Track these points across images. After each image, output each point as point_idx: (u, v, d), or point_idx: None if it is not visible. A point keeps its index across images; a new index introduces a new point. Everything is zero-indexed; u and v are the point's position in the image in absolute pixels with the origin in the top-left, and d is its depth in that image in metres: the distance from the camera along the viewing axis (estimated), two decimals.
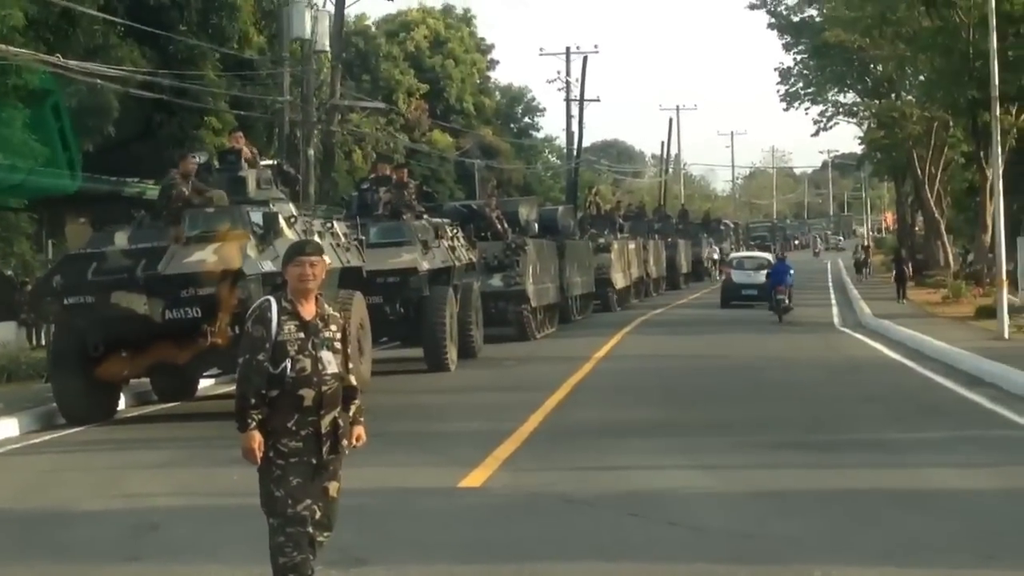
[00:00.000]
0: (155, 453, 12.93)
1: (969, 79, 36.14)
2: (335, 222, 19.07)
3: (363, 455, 12.79)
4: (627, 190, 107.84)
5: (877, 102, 57.89)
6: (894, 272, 42.48)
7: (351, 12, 67.46)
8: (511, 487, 10.51)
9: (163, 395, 18.12)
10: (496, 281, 27.84)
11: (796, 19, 61.91)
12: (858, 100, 61.94)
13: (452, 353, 21.62)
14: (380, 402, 17.33)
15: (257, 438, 6.60)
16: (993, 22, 25.04)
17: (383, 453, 12.57)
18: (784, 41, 63.31)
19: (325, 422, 6.73)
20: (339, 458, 6.83)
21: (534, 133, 77.48)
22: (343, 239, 18.82)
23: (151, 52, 35.79)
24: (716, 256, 61.55)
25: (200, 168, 17.28)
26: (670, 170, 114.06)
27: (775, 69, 63.97)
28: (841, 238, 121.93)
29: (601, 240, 40.97)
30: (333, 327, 6.90)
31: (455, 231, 24.12)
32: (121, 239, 15.73)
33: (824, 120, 63.31)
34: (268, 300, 6.87)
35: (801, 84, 63.52)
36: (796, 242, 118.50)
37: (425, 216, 23.15)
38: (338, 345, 6.89)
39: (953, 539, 8.40)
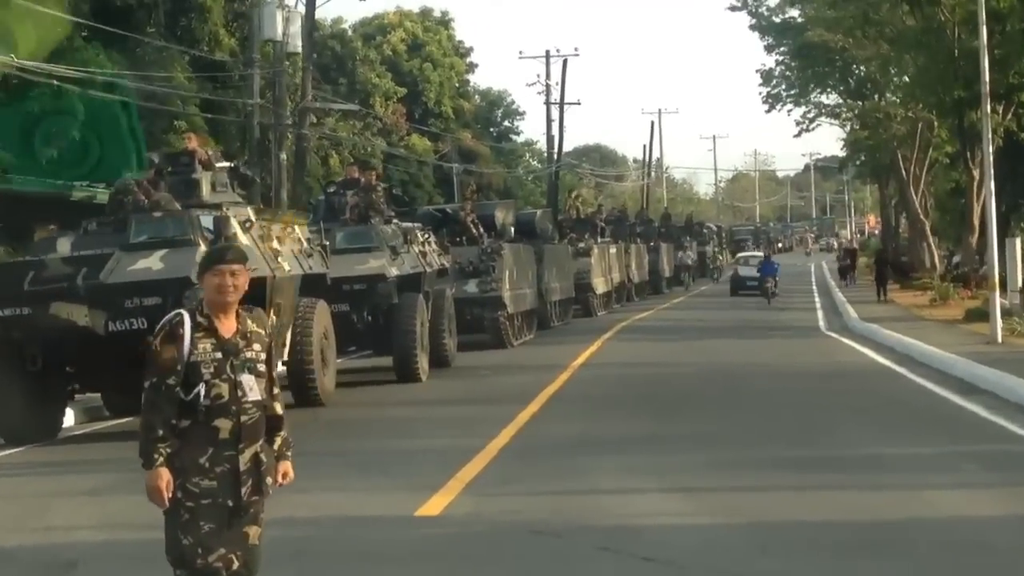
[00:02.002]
0: (91, 477, 11.98)
1: (955, 78, 35.41)
2: (297, 227, 18.13)
3: (314, 478, 11.96)
4: (609, 194, 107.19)
5: (860, 103, 57.23)
6: (875, 272, 44.45)
7: (327, 15, 66.63)
8: (472, 515, 9.60)
9: (115, 410, 17.16)
10: (471, 287, 26.95)
11: (778, 20, 61.11)
12: (841, 101, 61.22)
13: (423, 363, 20.70)
14: (343, 416, 16.46)
15: (165, 476, 5.68)
16: (983, 16, 24.22)
17: (337, 476, 11.71)
18: (766, 43, 62.59)
19: (245, 457, 5.81)
20: (261, 500, 5.91)
21: (514, 137, 76.65)
22: (305, 244, 17.90)
23: (118, 55, 34.83)
24: (690, 262, 60.31)
25: (152, 171, 16.37)
26: (652, 174, 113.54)
27: (757, 71, 63.25)
28: (834, 238, 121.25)
29: (581, 244, 40.07)
30: (256, 346, 5.96)
31: (426, 236, 23.21)
32: (64, 246, 14.81)
33: (807, 122, 62.54)
34: (180, 314, 5.93)
35: (783, 86, 62.76)
36: (779, 244, 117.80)
37: (395, 220, 22.23)
38: (262, 367, 5.95)
39: None
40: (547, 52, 66.13)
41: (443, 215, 28.87)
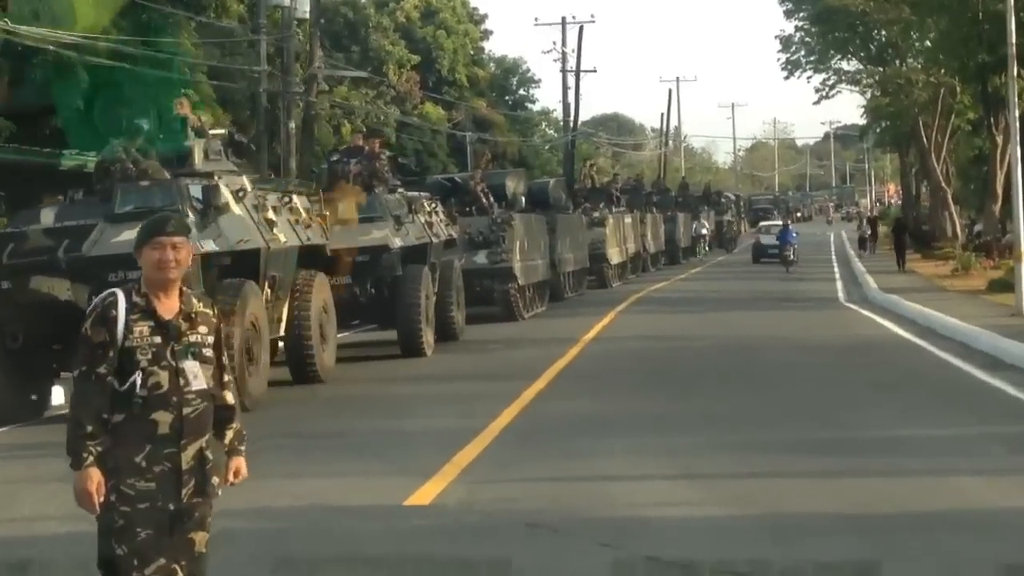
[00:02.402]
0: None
1: (979, 42, 34.54)
2: (296, 197, 17.44)
3: (305, 462, 11.34)
4: (627, 163, 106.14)
5: (881, 69, 56.22)
6: (893, 241, 44.03)
7: None
8: (464, 505, 8.93)
9: None
10: (481, 258, 26.25)
11: None
12: (861, 68, 60.16)
13: (428, 337, 20.04)
14: (342, 393, 15.82)
15: (96, 477, 5.02)
16: None
17: (329, 459, 11.07)
18: (785, 8, 61.62)
19: (187, 455, 5.14)
20: (207, 502, 5.24)
21: (529, 105, 75.63)
22: (304, 215, 17.21)
23: (123, 21, 34.13)
24: (704, 232, 59.03)
25: (142, 138, 15.69)
26: (671, 143, 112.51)
27: (776, 37, 62.28)
28: (854, 207, 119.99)
29: (596, 214, 39.31)
30: (202, 329, 5.27)
31: (433, 205, 22.49)
32: (47, 217, 14.15)
33: (826, 89, 61.47)
34: (113, 294, 5.23)
35: (803, 52, 61.77)
36: (799, 214, 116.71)
37: (400, 190, 21.52)
38: (208, 352, 5.26)
39: None
40: (563, 19, 65.31)
41: (452, 184, 28.16)
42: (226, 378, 5.38)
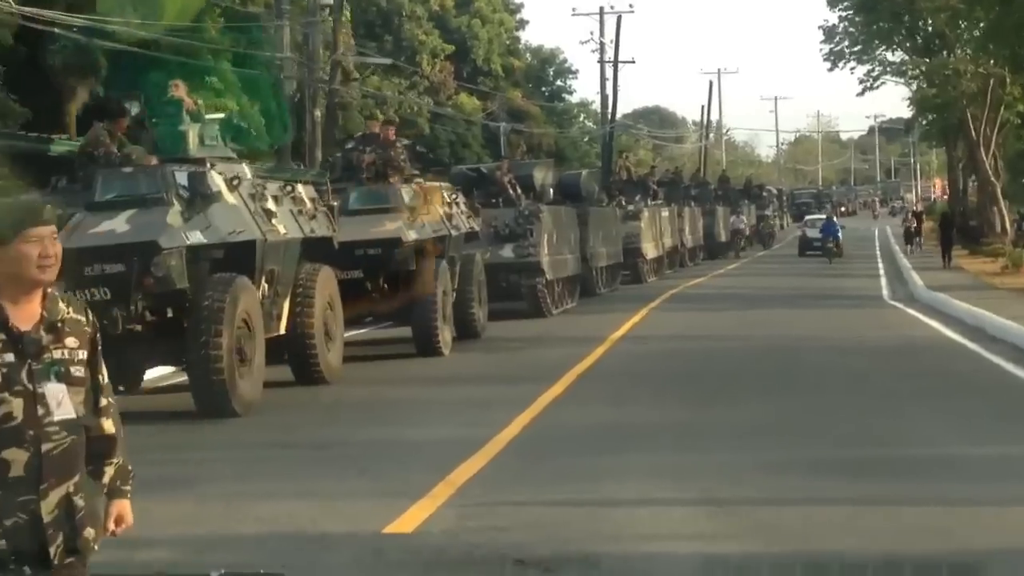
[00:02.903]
0: None
1: None
2: (302, 186, 16.34)
3: (288, 478, 10.19)
4: (669, 157, 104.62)
5: (927, 60, 54.68)
6: (940, 236, 42.82)
7: None
8: (450, 534, 7.79)
9: None
10: (507, 252, 25.11)
11: None
12: (907, 58, 58.58)
13: (445, 335, 18.90)
14: (345, 397, 14.73)
15: None
16: None
17: (311, 476, 9.97)
18: None
19: (49, 503, 3.99)
20: (82, 558, 4.11)
21: (567, 97, 74.44)
22: (309, 205, 16.10)
23: (141, 5, 33.18)
24: (742, 226, 56.94)
25: (131, 121, 14.60)
26: (712, 136, 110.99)
27: (819, 28, 60.72)
28: (902, 200, 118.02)
29: (630, 207, 38.10)
30: (71, 341, 4.12)
31: (454, 196, 21.33)
32: None
33: (871, 80, 59.98)
34: None
35: (847, 43, 60.23)
36: (843, 208, 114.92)
37: (417, 179, 20.37)
38: (78, 371, 4.11)
39: None
40: (601, 9, 64.13)
41: (478, 175, 27.01)
42: (103, 402, 4.24)
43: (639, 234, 37.14)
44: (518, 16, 66.85)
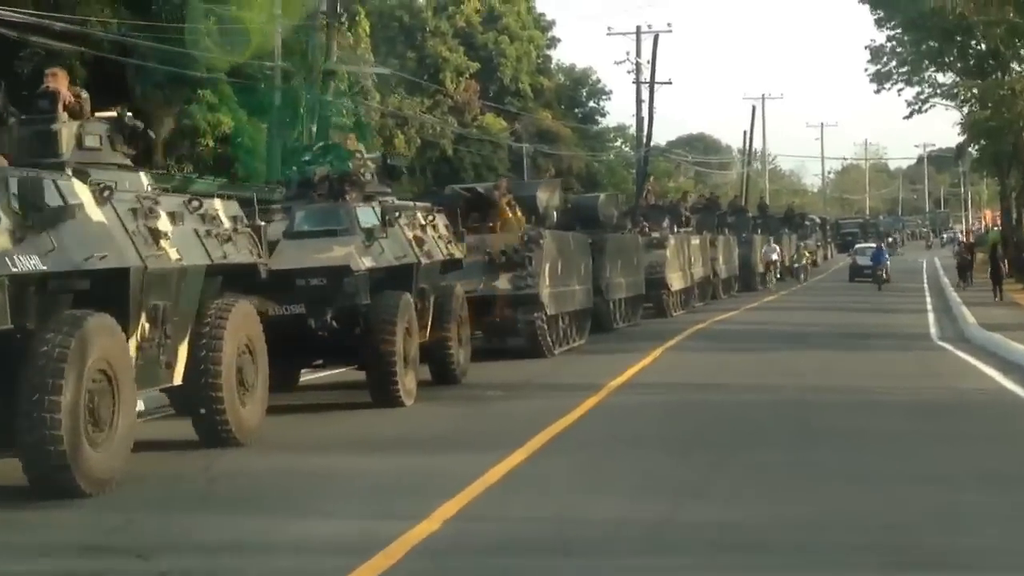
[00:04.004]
0: None
1: None
2: (218, 201, 13.38)
3: None
4: (713, 185, 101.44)
5: (980, 81, 51.37)
6: (989, 269, 40.46)
7: None
8: None
9: None
10: (502, 283, 22.09)
11: None
12: (958, 79, 55.23)
13: (407, 382, 15.85)
14: (243, 467, 11.70)
15: None
16: None
17: None
18: (876, 15, 56.85)
19: None
20: None
21: (600, 119, 71.42)
22: (225, 224, 13.14)
23: (128, 12, 30.52)
24: (775, 256, 52.91)
25: None
26: (756, 163, 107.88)
27: (866, 47, 57.55)
28: (955, 231, 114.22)
29: (655, 234, 34.99)
30: None
31: (430, 218, 18.31)
32: None
33: (919, 103, 56.70)
34: None
35: (894, 63, 57.01)
36: (890, 239, 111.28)
37: (384, 197, 17.36)
38: None
39: None
40: (637, 28, 61.22)
41: (473, 195, 24.00)
42: None
43: (664, 264, 34.04)
44: (549, 34, 64.12)
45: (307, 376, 19.01)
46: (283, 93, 31.19)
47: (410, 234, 17.00)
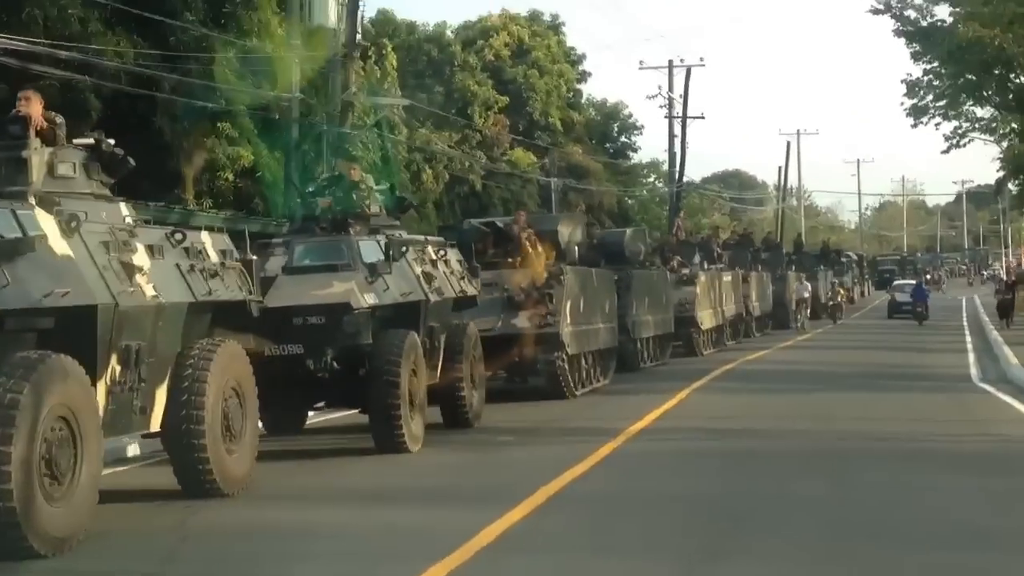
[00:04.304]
0: None
1: None
2: (205, 234, 12.53)
3: None
4: (749, 221, 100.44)
5: (1021, 115, 50.20)
6: None
7: (428, 19, 61.05)
8: None
9: None
10: (522, 321, 21.20)
11: (925, 23, 54.17)
12: (997, 114, 54.06)
13: (413, 427, 14.93)
14: (223, 521, 10.77)
15: None
16: None
17: None
18: (912, 49, 55.77)
19: None
20: None
21: (632, 154, 70.42)
22: (212, 259, 12.28)
23: (145, 44, 29.77)
24: (806, 294, 49.62)
25: None
26: (794, 199, 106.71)
27: (902, 81, 56.33)
28: (995, 268, 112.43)
29: (684, 271, 34.02)
30: None
31: (441, 253, 17.41)
32: None
33: (957, 138, 55.49)
34: None
35: (931, 97, 55.87)
36: (928, 276, 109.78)
37: (391, 230, 16.44)
38: None
39: None
40: (669, 62, 60.42)
41: (492, 229, 23.10)
42: None
43: (694, 301, 33.05)
44: (580, 68, 63.19)
45: (317, 418, 18.16)
46: (302, 126, 30.37)
47: (418, 270, 16.11)
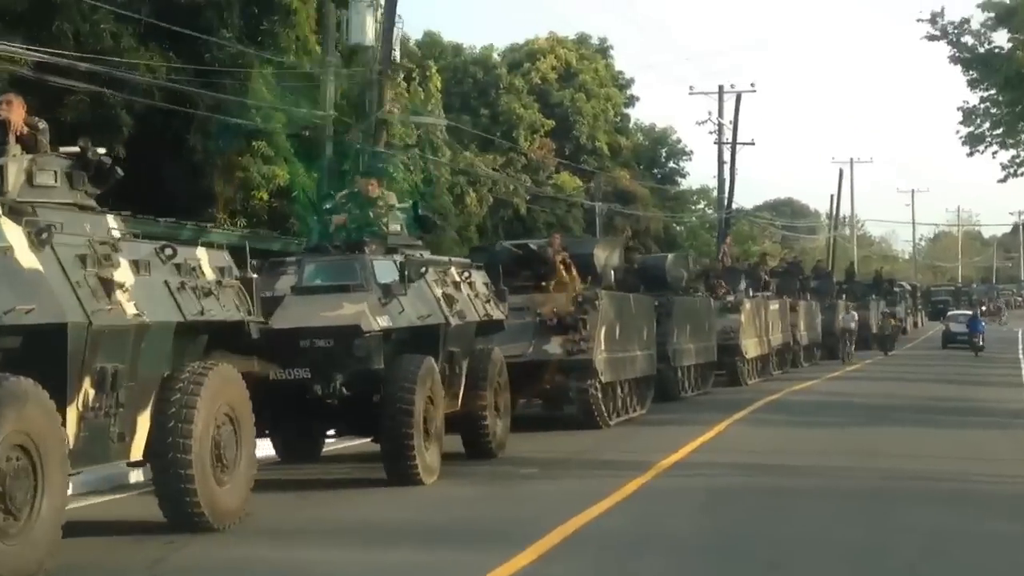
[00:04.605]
0: None
1: None
2: (202, 250, 11.71)
3: None
4: (801, 250, 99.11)
5: None
6: None
7: (475, 42, 60.28)
8: None
9: None
10: (554, 347, 20.29)
11: (982, 50, 52.91)
12: None
13: (427, 457, 14.03)
14: (199, 559, 9.92)
15: None
16: None
17: None
18: (969, 77, 54.51)
19: None
20: None
21: (680, 180, 69.33)
22: (208, 276, 11.47)
23: (179, 60, 29.12)
24: (853, 324, 46.34)
25: None
26: (847, 228, 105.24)
27: (958, 109, 55.10)
28: None
29: (729, 298, 32.97)
30: None
31: (465, 275, 16.53)
32: None
33: (1014, 166, 54.13)
34: None
35: (987, 125, 54.57)
36: (983, 307, 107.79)
37: (411, 250, 15.57)
38: None
39: None
40: (720, 87, 59.41)
41: (525, 251, 22.22)
42: None
43: (738, 329, 32.00)
44: (628, 92, 62.25)
45: (336, 445, 17.34)
46: (336, 146, 29.67)
47: (439, 292, 15.22)
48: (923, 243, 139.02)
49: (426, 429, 14.02)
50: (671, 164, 67.48)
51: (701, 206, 76.70)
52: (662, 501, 12.78)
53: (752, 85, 64.24)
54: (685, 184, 70.08)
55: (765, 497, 13.02)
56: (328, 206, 15.92)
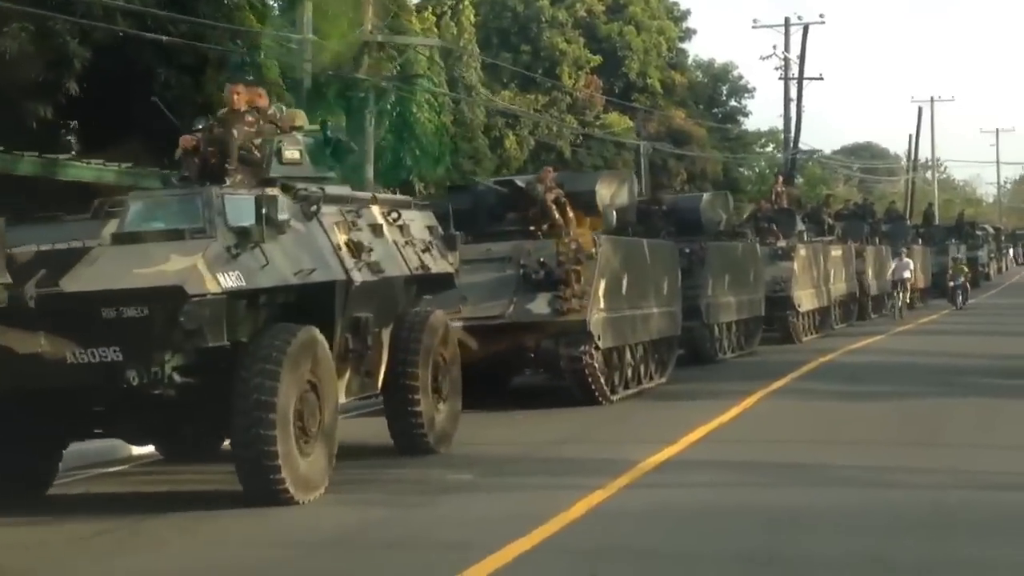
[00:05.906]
0: None
1: None
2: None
3: None
4: (880, 195, 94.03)
5: None
6: None
7: None
8: None
9: None
10: (539, 305, 16.40)
11: None
12: None
13: (303, 466, 10.08)
14: None
15: None
16: None
17: None
18: None
19: None
20: None
21: (742, 119, 64.66)
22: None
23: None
24: (907, 274, 38.71)
25: None
26: (927, 172, 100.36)
27: None
28: None
29: (780, 243, 28.70)
30: None
31: (393, 215, 12.49)
32: None
33: None
34: None
35: None
36: None
37: (306, 187, 11.49)
38: None
39: None
40: (786, 19, 55.04)
41: (511, 190, 18.23)
42: None
43: (790, 278, 27.77)
44: (684, 24, 57.71)
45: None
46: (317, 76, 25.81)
47: (340, 238, 11.23)
48: (1008, 185, 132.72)
49: (302, 427, 10.12)
50: (732, 103, 62.87)
51: (770, 149, 72.24)
52: (619, 530, 8.72)
53: (821, 16, 59.68)
54: (748, 125, 65.50)
55: (764, 519, 8.89)
56: (200, 125, 11.80)
